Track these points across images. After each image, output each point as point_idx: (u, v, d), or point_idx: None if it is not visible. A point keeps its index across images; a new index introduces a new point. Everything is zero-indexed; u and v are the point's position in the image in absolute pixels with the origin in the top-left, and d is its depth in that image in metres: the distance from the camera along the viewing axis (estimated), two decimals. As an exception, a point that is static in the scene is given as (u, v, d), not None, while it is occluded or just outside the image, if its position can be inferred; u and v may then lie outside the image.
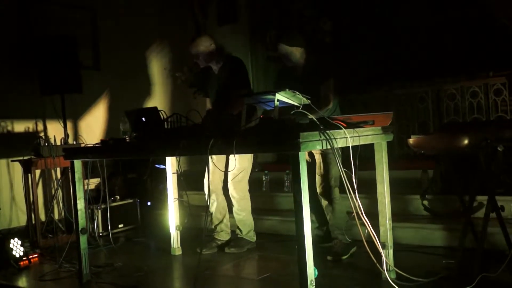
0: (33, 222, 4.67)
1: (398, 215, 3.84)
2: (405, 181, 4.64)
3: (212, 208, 4.19)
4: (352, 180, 2.68)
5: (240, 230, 4.16)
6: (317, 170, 3.73)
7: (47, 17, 5.61)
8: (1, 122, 5.19)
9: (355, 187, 2.65)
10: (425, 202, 4.09)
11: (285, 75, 3.90)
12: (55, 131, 5.24)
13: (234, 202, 4.12)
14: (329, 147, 2.48)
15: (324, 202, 3.74)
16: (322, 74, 3.67)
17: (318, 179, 3.73)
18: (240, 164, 3.98)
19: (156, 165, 5.50)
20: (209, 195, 4.09)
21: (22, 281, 3.75)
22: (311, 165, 3.82)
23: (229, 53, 4.17)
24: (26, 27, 5.47)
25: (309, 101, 2.88)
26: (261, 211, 4.71)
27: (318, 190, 3.74)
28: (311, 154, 3.80)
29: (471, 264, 2.96)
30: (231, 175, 4.06)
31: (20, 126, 5.37)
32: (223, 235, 4.22)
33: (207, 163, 3.87)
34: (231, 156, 3.95)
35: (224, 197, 4.23)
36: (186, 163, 6.13)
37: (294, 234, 2.47)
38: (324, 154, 3.64)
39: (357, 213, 2.63)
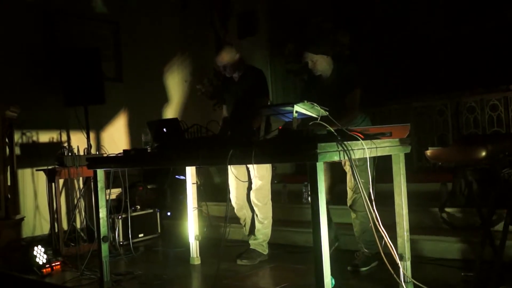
0: (56, 230, 4.77)
1: (417, 228, 3.83)
2: (424, 194, 4.63)
3: (246, 227, 4.29)
4: (369, 191, 2.70)
5: (255, 238, 4.17)
6: (348, 183, 3.73)
7: (72, 30, 5.78)
8: (26, 133, 5.34)
9: (372, 198, 2.66)
10: (444, 215, 4.08)
11: (312, 85, 3.89)
12: (78, 141, 5.36)
13: (256, 210, 4.14)
14: (346, 158, 2.51)
15: (353, 215, 3.75)
16: (349, 84, 3.68)
17: (348, 191, 3.73)
18: (258, 173, 4.03)
19: (177, 176, 5.57)
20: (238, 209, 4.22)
21: (45, 288, 3.84)
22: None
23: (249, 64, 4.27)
24: (51, 40, 5.62)
25: (327, 113, 2.91)
26: (279, 223, 4.72)
27: (348, 202, 3.74)
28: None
29: (489, 277, 2.93)
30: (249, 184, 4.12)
31: (44, 137, 5.51)
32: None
33: (227, 178, 3.96)
34: (250, 166, 4.00)
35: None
36: (206, 174, 6.19)
37: (311, 245, 2.50)
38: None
39: (375, 224, 2.65)
